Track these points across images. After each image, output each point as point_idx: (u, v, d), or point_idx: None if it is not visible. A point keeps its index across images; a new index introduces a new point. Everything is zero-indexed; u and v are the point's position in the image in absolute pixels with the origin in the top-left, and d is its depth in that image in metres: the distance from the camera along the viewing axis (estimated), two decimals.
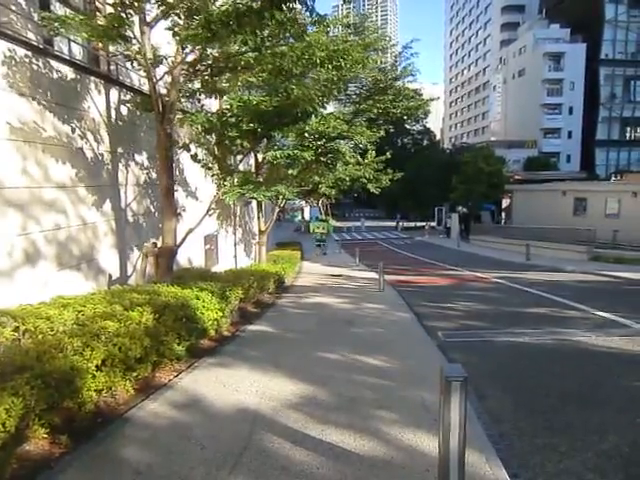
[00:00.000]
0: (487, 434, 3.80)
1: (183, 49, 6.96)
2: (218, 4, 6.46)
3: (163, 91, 7.42)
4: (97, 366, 3.78)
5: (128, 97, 8.55)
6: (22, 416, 2.89)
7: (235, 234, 15.77)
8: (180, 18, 6.53)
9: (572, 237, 23.47)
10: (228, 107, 9.09)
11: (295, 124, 9.32)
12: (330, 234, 30.99)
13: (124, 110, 8.44)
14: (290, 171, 12.35)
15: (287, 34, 7.26)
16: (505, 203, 41.14)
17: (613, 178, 41.86)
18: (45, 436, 3.24)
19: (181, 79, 7.37)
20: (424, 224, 42.84)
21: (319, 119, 9.91)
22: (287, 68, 7.78)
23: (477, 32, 75.23)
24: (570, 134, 53.54)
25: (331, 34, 12.29)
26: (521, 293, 12.12)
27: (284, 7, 5.89)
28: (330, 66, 7.40)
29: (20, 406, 2.85)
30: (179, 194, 9.96)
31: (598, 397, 4.84)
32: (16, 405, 2.82)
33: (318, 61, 7.28)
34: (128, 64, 8.02)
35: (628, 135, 53.49)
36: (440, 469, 2.63)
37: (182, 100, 8.68)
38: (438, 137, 77.30)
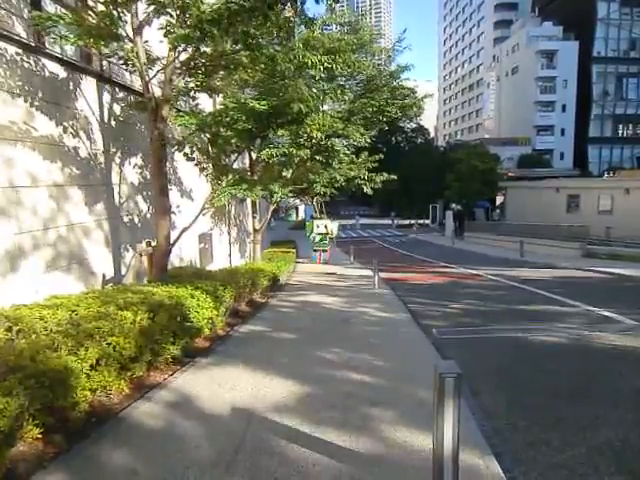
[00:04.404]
0: (481, 430, 3.83)
1: (175, 48, 6.92)
2: (211, 2, 6.43)
3: (156, 89, 7.38)
4: (91, 366, 3.77)
5: (121, 95, 8.51)
6: (16, 416, 2.87)
7: (230, 233, 15.73)
8: (172, 17, 6.50)
9: (566, 234, 23.63)
10: (223, 107, 9.06)
11: (291, 125, 9.29)
12: (334, 237, 22.48)
13: (117, 109, 8.40)
14: (284, 173, 12.32)
15: (280, 34, 7.25)
16: (499, 200, 41.38)
17: (606, 175, 42.14)
18: (39, 436, 3.22)
19: (174, 78, 7.34)
20: (413, 222, 43.07)
21: (316, 121, 9.75)
22: (280, 69, 7.77)
23: (470, 30, 75.43)
24: (563, 131, 53.91)
25: (326, 32, 12.26)
26: (515, 290, 12.19)
27: (275, 8, 5.91)
28: (322, 67, 7.40)
29: (14, 406, 2.83)
30: (173, 193, 9.92)
31: (591, 392, 4.88)
32: (10, 405, 2.81)
33: (310, 63, 7.29)
34: (121, 62, 7.97)
35: (620, 132, 53.95)
36: (435, 464, 2.64)
37: (176, 98, 8.64)
38: (432, 135, 77.42)
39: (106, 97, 8.02)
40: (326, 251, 20.36)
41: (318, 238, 20.24)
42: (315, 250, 20.36)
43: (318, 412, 4.06)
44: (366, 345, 6.34)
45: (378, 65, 17.88)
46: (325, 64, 7.35)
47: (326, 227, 20.37)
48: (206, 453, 3.35)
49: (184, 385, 4.71)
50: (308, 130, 9.38)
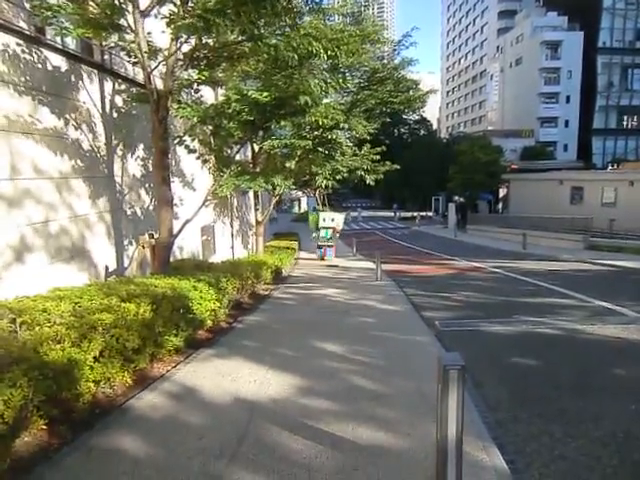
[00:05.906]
0: (484, 421, 3.83)
1: (178, 39, 6.87)
2: None
3: (158, 81, 7.33)
4: (95, 357, 3.78)
5: (123, 87, 8.46)
6: (20, 407, 2.89)
7: (232, 225, 15.72)
8: (175, 6, 6.44)
9: (569, 226, 23.55)
10: (225, 98, 9.01)
11: (294, 116, 9.22)
12: (340, 231, 19.59)
13: (119, 100, 8.36)
14: (287, 164, 12.26)
15: (282, 23, 7.18)
16: (502, 192, 41.19)
17: (610, 167, 41.89)
18: (44, 427, 3.25)
19: (176, 69, 7.29)
20: (415, 214, 43.00)
21: (321, 110, 9.60)
22: (283, 59, 7.69)
23: (474, 20, 74.62)
24: (567, 123, 53.44)
25: (329, 22, 12.16)
26: (517, 282, 12.17)
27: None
28: (325, 56, 7.32)
29: (18, 397, 2.85)
30: (175, 185, 9.90)
31: (593, 385, 4.87)
32: (14, 397, 2.82)
33: (314, 51, 7.21)
34: (122, 53, 7.92)
35: (625, 124, 53.41)
36: (438, 456, 2.64)
37: (178, 90, 8.59)
38: (435, 127, 77.07)
39: (108, 89, 7.98)
40: (332, 246, 18.35)
41: (324, 233, 18.12)
42: (320, 246, 18.39)
43: (320, 404, 4.07)
44: (368, 337, 6.34)
45: (381, 57, 17.77)
46: (329, 52, 7.26)
47: (333, 220, 18.32)
48: (209, 444, 3.36)
49: (187, 377, 4.72)
50: (313, 119, 9.31)
